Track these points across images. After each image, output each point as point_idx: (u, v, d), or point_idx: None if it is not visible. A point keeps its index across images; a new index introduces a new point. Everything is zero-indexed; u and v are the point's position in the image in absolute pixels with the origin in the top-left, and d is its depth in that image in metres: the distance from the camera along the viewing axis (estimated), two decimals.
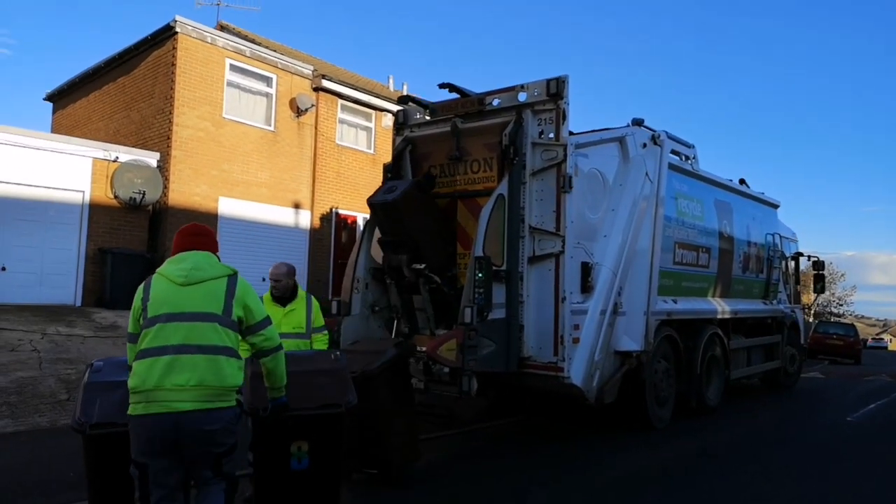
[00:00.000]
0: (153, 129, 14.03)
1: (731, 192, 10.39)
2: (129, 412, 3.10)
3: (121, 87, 15.50)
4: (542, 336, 6.47)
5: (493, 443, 7.42)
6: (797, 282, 13.46)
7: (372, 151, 17.29)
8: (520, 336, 6.43)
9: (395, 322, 7.31)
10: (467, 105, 7.23)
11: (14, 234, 11.79)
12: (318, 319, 5.30)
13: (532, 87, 6.76)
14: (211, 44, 14.14)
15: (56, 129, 18.03)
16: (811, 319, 31.38)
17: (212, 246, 3.47)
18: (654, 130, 8.15)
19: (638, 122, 8.04)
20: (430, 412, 6.78)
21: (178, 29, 13.53)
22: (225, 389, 3.11)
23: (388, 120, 17.03)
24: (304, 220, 15.81)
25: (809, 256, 13.77)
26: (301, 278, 15.13)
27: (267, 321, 3.38)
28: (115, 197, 12.80)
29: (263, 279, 6.01)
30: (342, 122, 16.77)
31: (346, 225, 16.69)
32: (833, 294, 47.17)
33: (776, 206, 12.19)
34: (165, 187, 13.33)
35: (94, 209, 12.67)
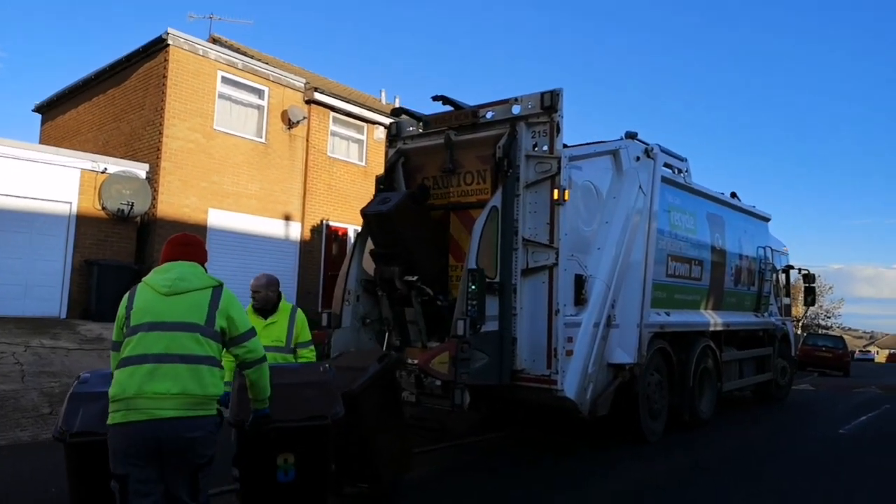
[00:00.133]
0: (143, 141, 13.94)
1: (723, 205, 10.43)
2: (108, 421, 3.07)
3: (111, 99, 15.42)
4: (535, 349, 6.42)
5: (486, 456, 7.34)
6: (787, 294, 13.51)
7: (363, 164, 17.27)
8: (513, 349, 6.38)
9: (387, 334, 7.25)
10: (461, 117, 7.23)
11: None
12: (305, 334, 5.09)
13: (526, 99, 6.77)
14: (203, 56, 14.11)
15: (44, 140, 17.90)
16: (799, 332, 31.51)
17: (200, 256, 3.48)
18: (647, 143, 8.18)
19: (631, 136, 8.06)
20: (422, 425, 6.71)
21: (169, 41, 13.50)
22: (206, 398, 3.12)
23: (380, 132, 17.03)
24: (295, 232, 15.73)
25: (800, 269, 13.84)
26: (291, 290, 15.12)
27: (251, 333, 3.38)
28: (103, 208, 12.68)
29: None
30: (334, 134, 16.76)
31: (336, 237, 16.62)
32: (821, 307, 47.45)
33: (767, 220, 12.25)
34: (154, 199, 13.23)
35: (82, 220, 12.54)
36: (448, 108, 7.39)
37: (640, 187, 7.84)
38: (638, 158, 7.97)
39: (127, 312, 3.21)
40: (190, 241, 3.52)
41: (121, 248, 12.99)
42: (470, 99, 7.48)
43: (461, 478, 6.28)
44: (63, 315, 12.26)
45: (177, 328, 3.12)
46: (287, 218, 15.57)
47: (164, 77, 13.51)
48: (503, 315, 6.33)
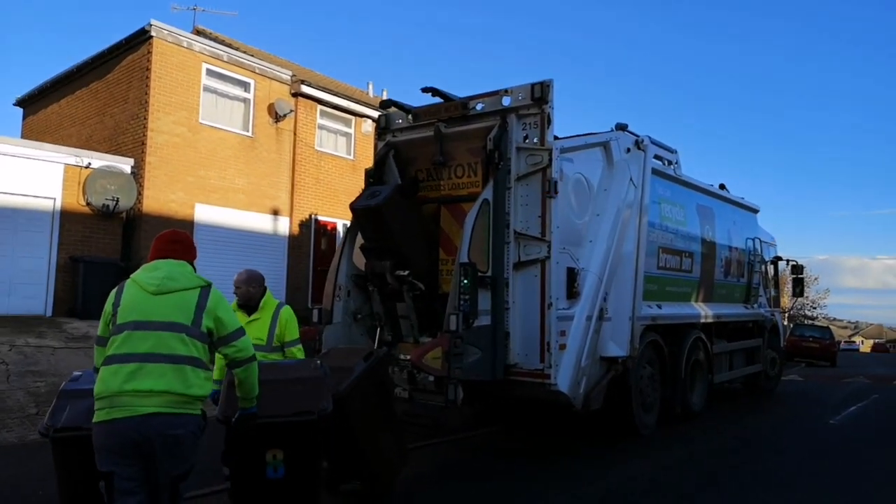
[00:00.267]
0: (127, 135, 13.74)
1: (713, 196, 10.43)
2: (93, 420, 3.07)
3: (94, 93, 15.18)
4: (528, 343, 6.37)
5: (480, 452, 7.29)
6: (776, 286, 13.57)
7: (352, 157, 17.14)
8: (506, 343, 6.33)
9: (378, 330, 7.17)
10: (451, 109, 7.13)
11: None
12: (291, 332, 4.92)
13: (516, 91, 6.69)
14: (187, 48, 13.91)
15: (26, 134, 17.62)
16: (786, 323, 31.74)
17: (188, 254, 3.46)
18: (637, 135, 8.13)
19: (622, 127, 8.01)
20: (415, 421, 6.63)
21: (153, 33, 13.29)
22: (190, 398, 3.10)
23: (368, 126, 16.90)
24: (283, 226, 15.59)
25: (788, 261, 13.90)
26: (280, 286, 15.00)
27: (240, 332, 3.36)
28: (88, 204, 12.48)
29: None
30: (321, 127, 16.61)
31: (325, 232, 16.50)
32: (807, 297, 47.85)
33: (756, 211, 12.28)
34: (140, 194, 13.05)
35: (66, 216, 12.34)
36: (438, 100, 7.30)
37: (630, 179, 7.80)
38: (628, 150, 7.93)
39: (114, 309, 3.21)
40: (179, 239, 3.50)
41: (106, 245, 12.80)
42: (459, 91, 7.39)
43: (455, 474, 6.23)
44: (49, 313, 12.08)
45: (163, 328, 3.11)
46: (275, 213, 15.42)
47: (148, 70, 13.30)
48: (496, 309, 6.27)
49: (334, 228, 16.53)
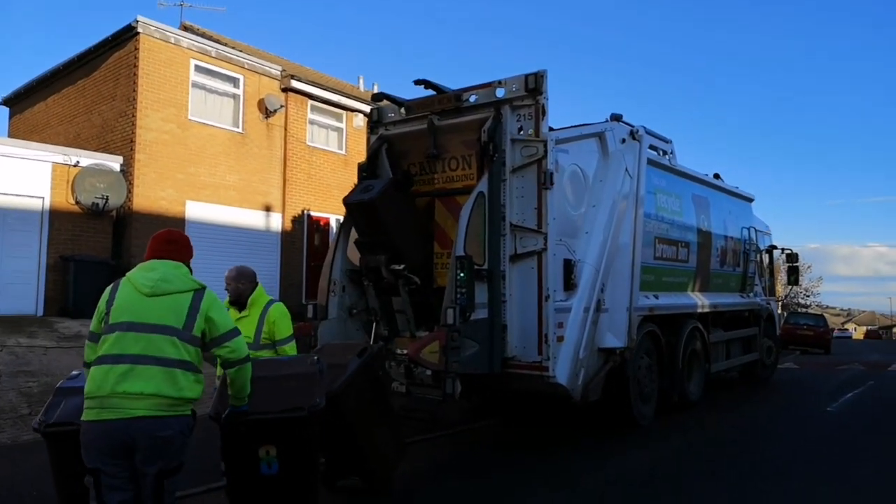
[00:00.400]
0: (116, 133, 13.58)
1: (708, 186, 10.41)
2: (82, 417, 3.10)
3: (81, 90, 15.00)
4: (525, 335, 6.33)
5: (479, 445, 7.26)
6: (771, 274, 13.59)
7: (343, 152, 17.03)
8: (503, 336, 6.28)
9: (374, 325, 7.11)
10: (444, 102, 7.05)
11: None
12: (281, 329, 4.81)
13: (510, 82, 6.62)
14: (175, 44, 13.75)
15: (13, 133, 17.42)
16: (780, 311, 31.89)
17: (185, 255, 3.48)
18: (632, 125, 8.08)
19: (616, 118, 7.96)
20: (413, 416, 6.58)
21: (139, 29, 13.12)
22: (180, 400, 3.13)
23: (360, 120, 16.80)
24: (276, 223, 15.48)
25: (783, 249, 13.91)
26: (273, 282, 14.90)
27: (233, 333, 3.35)
28: (77, 203, 12.34)
29: None
30: (312, 122, 16.48)
31: (318, 227, 16.40)
32: (801, 286, 48.04)
33: (751, 200, 12.27)
34: (130, 192, 12.91)
35: (55, 215, 12.20)
36: (430, 92, 7.21)
37: (626, 170, 7.75)
38: (623, 141, 7.88)
39: (107, 307, 3.22)
40: (175, 239, 3.51)
41: (97, 244, 12.67)
42: (452, 83, 7.31)
43: (453, 468, 6.20)
44: (39, 313, 11.95)
45: (154, 330, 3.12)
46: (267, 209, 15.31)
47: (136, 66, 13.14)
48: (492, 302, 6.22)
49: (327, 224, 16.44)
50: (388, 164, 7.33)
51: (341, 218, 7.45)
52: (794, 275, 14.72)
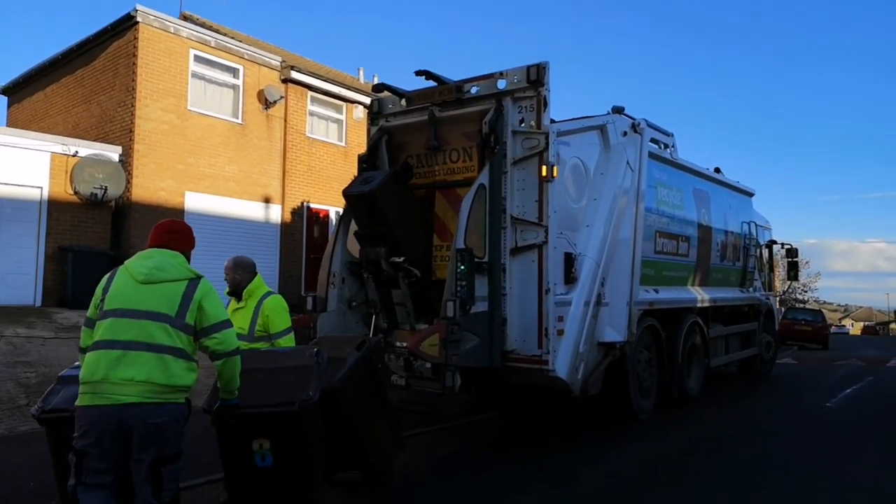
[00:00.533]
0: (115, 123, 13.51)
1: (709, 180, 10.37)
2: (76, 402, 3.15)
3: (80, 80, 14.92)
4: (525, 329, 6.31)
5: (478, 439, 7.26)
6: (771, 269, 13.57)
7: (343, 144, 16.96)
8: (503, 329, 6.27)
9: (374, 317, 7.09)
10: (445, 93, 7.02)
11: None
12: (277, 323, 4.73)
13: (512, 73, 6.58)
14: (174, 34, 13.66)
15: (11, 123, 17.33)
16: (777, 306, 31.86)
17: (184, 245, 3.49)
18: (634, 118, 8.04)
19: (618, 110, 7.92)
20: (412, 409, 6.56)
21: (139, 18, 13.04)
22: (172, 387, 3.13)
23: (360, 112, 16.73)
24: (275, 214, 15.44)
25: (783, 244, 13.88)
26: (273, 274, 14.86)
27: (223, 325, 3.34)
28: (76, 193, 12.29)
29: None
30: (312, 114, 16.40)
31: (317, 219, 16.35)
32: (799, 281, 48.03)
33: (751, 195, 12.24)
34: (129, 182, 12.86)
35: (54, 205, 12.15)
36: (431, 83, 7.17)
37: (627, 163, 7.71)
38: (625, 133, 7.84)
39: (103, 294, 3.27)
40: (176, 229, 3.54)
41: (95, 234, 12.62)
42: (453, 75, 7.27)
43: (452, 461, 6.19)
44: (38, 303, 11.92)
45: (147, 317, 3.14)
46: (267, 200, 15.26)
47: (135, 56, 13.06)
48: (493, 295, 6.20)
49: (327, 216, 16.39)
50: (387, 155, 7.29)
51: (341, 210, 7.42)
52: (793, 270, 14.67)
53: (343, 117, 17.07)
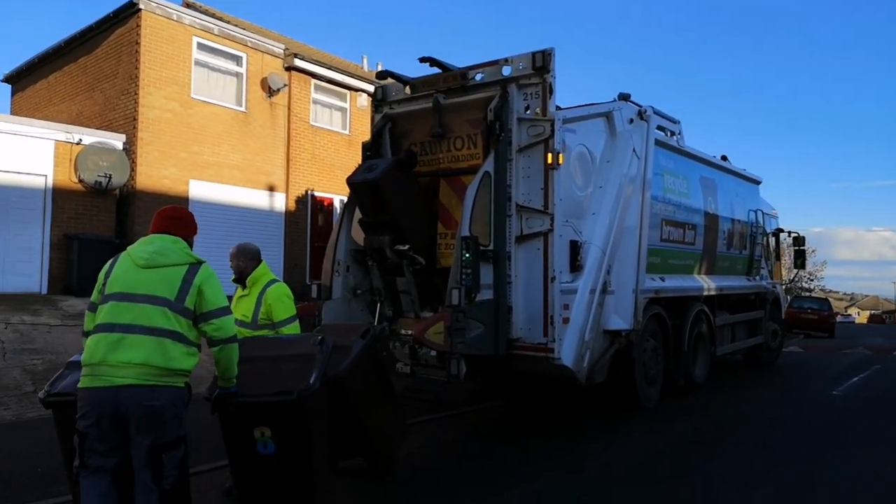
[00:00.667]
0: (118, 111, 13.49)
1: (716, 168, 10.29)
2: (78, 385, 3.21)
3: (83, 68, 14.88)
4: (531, 317, 6.28)
5: (483, 426, 7.26)
6: (777, 258, 13.49)
7: (347, 132, 16.90)
8: (508, 317, 6.23)
9: (379, 305, 7.07)
10: (449, 80, 6.95)
11: None
12: (279, 311, 4.67)
13: (517, 60, 6.51)
14: (177, 21, 13.59)
15: (15, 111, 17.31)
16: (784, 295, 31.73)
17: (186, 231, 3.50)
18: (640, 105, 7.96)
19: (625, 97, 7.84)
20: (417, 397, 6.56)
21: (141, 6, 12.97)
22: (170, 371, 3.14)
23: (364, 100, 16.65)
24: (279, 203, 15.42)
25: (790, 232, 13.79)
26: (277, 263, 14.86)
27: (222, 311, 3.33)
28: (80, 181, 12.29)
29: None
30: (316, 102, 16.34)
31: (322, 207, 16.33)
32: (805, 269, 47.88)
33: (758, 183, 12.15)
34: (133, 170, 12.85)
35: (58, 194, 12.16)
36: (436, 70, 7.10)
37: (633, 150, 7.64)
38: (631, 121, 7.77)
39: (105, 279, 3.31)
40: (178, 215, 3.56)
41: (100, 222, 12.64)
42: (458, 61, 7.20)
43: (457, 449, 6.20)
44: (44, 291, 11.95)
45: (146, 301, 3.16)
46: (271, 189, 15.24)
47: (138, 44, 13.01)
48: (498, 283, 6.16)
49: (331, 204, 16.37)
50: (391, 143, 7.24)
51: (345, 198, 7.38)
52: (800, 258, 14.56)
53: (347, 105, 16.99)
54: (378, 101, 7.65)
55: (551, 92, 6.33)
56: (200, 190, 13.84)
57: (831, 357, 15.66)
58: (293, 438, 3.82)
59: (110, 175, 12.39)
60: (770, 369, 12.28)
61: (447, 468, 5.53)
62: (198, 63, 13.98)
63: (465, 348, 5.69)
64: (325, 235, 9.24)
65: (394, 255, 6.64)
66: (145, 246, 3.33)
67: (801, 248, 14.03)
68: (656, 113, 8.29)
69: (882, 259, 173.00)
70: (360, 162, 7.37)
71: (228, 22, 15.27)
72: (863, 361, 14.62)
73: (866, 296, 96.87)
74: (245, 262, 4.83)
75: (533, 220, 6.30)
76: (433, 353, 5.92)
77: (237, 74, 14.76)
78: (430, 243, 6.92)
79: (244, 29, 15.38)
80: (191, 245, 3.47)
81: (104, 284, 3.30)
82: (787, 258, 22.85)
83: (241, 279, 4.86)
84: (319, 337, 4.20)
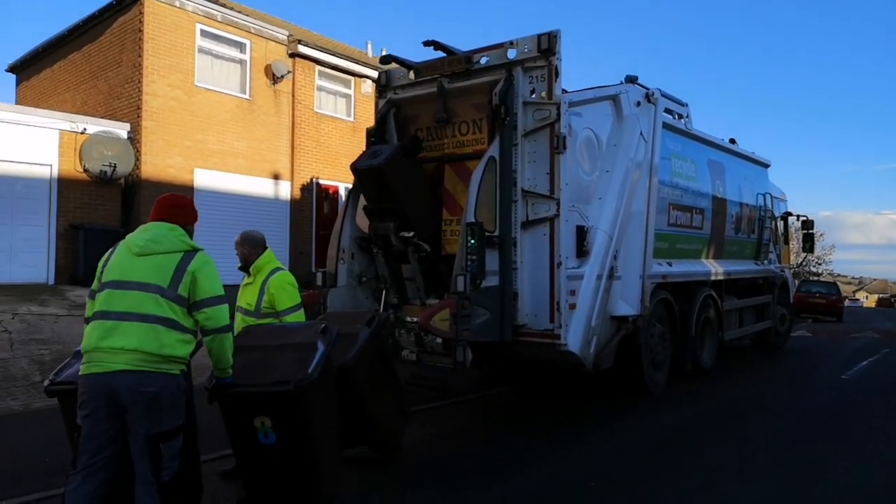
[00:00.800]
0: (122, 100, 13.44)
1: (724, 151, 10.19)
2: (79, 373, 3.24)
3: (86, 56, 14.82)
4: (537, 303, 6.24)
5: (490, 413, 7.25)
6: (786, 242, 13.39)
7: (352, 119, 16.81)
8: (514, 304, 6.20)
9: (384, 293, 7.04)
10: (454, 64, 6.87)
11: None
12: (282, 300, 4.60)
13: (522, 43, 6.43)
14: (180, 8, 13.49)
15: (20, 101, 17.28)
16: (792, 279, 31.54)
17: (184, 218, 3.48)
18: (647, 88, 7.86)
19: (632, 80, 7.73)
20: (423, 384, 6.54)
21: None
22: (163, 357, 3.13)
23: (368, 86, 16.54)
24: (284, 191, 15.38)
25: (798, 216, 13.67)
26: (283, 251, 14.84)
27: (215, 300, 3.30)
28: (85, 170, 12.27)
29: None
30: (320, 89, 16.23)
31: (327, 195, 16.28)
32: (814, 253, 47.57)
33: (767, 166, 12.03)
34: (137, 159, 12.82)
35: (64, 183, 12.14)
36: (440, 54, 7.02)
37: (640, 134, 7.56)
38: (638, 104, 7.67)
39: (103, 268, 3.33)
40: (176, 203, 3.52)
41: (106, 212, 12.63)
42: (462, 45, 7.11)
43: (463, 436, 6.19)
44: (50, 281, 11.98)
45: (139, 288, 3.17)
46: (276, 177, 15.19)
47: (141, 31, 12.93)
48: (504, 269, 6.13)
49: (336, 192, 16.31)
50: (396, 128, 7.18)
51: (350, 186, 7.34)
52: (809, 242, 14.46)
53: (351, 92, 16.89)
54: (382, 86, 7.59)
55: (557, 75, 6.25)
56: (205, 179, 13.81)
57: (840, 341, 15.58)
58: (293, 428, 3.77)
59: (115, 164, 12.37)
60: (778, 354, 12.22)
61: (453, 455, 5.51)
62: (201, 50, 13.89)
63: (470, 335, 5.66)
64: (331, 223, 9.22)
65: (399, 242, 6.61)
66: (141, 234, 3.34)
67: (810, 231, 13.92)
68: (664, 95, 8.19)
69: (891, 243, 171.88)
70: (364, 149, 7.31)
71: (231, 8, 15.15)
72: (871, 345, 14.52)
73: (875, 279, 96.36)
74: (249, 249, 4.79)
75: (539, 205, 6.24)
76: (439, 340, 5.90)
77: (241, 62, 14.68)
78: (436, 230, 6.88)
79: (247, 15, 15.26)
80: (190, 233, 3.44)
81: (102, 273, 3.31)
82: (796, 242, 22.71)
83: (245, 267, 4.83)
84: (322, 325, 4.15)
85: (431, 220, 6.86)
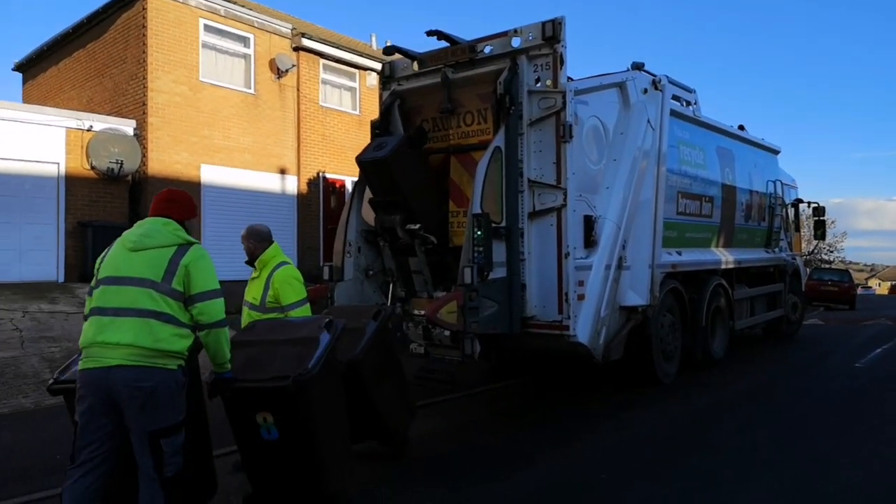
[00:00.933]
0: (127, 96, 13.45)
1: (733, 138, 10.05)
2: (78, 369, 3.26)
3: (91, 54, 14.84)
4: (545, 294, 6.18)
5: (499, 405, 7.22)
6: (797, 229, 13.24)
7: (357, 112, 16.75)
8: (522, 295, 6.14)
9: (391, 286, 7.01)
10: (458, 54, 6.79)
11: None
12: (286, 295, 4.55)
13: (526, 31, 6.34)
14: (183, 3, 13.46)
15: (27, 99, 17.36)
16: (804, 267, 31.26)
17: (182, 212, 3.46)
18: (654, 75, 7.76)
19: (638, 66, 7.62)
20: (431, 377, 6.52)
21: None
22: (159, 352, 3.11)
23: (373, 79, 16.47)
24: (291, 185, 15.36)
25: (809, 203, 13.52)
26: (290, 246, 14.85)
27: (210, 295, 3.26)
28: (92, 168, 12.30)
29: None
30: (325, 82, 16.19)
31: (334, 189, 16.26)
32: (825, 241, 47.14)
33: (777, 152, 11.87)
34: (144, 156, 12.83)
35: (71, 181, 12.18)
36: (444, 44, 6.95)
37: (648, 122, 7.46)
38: (646, 91, 7.57)
39: (100, 264, 3.34)
40: (173, 198, 3.51)
41: (114, 209, 12.66)
42: (466, 34, 7.04)
43: (472, 429, 6.15)
44: (60, 279, 12.04)
45: (133, 283, 3.16)
46: (282, 171, 15.17)
47: (144, 27, 12.91)
48: (511, 261, 6.07)
49: (343, 186, 16.28)
50: (401, 120, 7.12)
51: (357, 179, 7.29)
52: (820, 229, 14.30)
53: (356, 85, 16.83)
54: (386, 77, 7.53)
55: (562, 62, 6.17)
56: (212, 174, 13.81)
57: (852, 329, 15.43)
58: (295, 424, 3.71)
59: (122, 161, 12.39)
60: (790, 342, 12.11)
61: (462, 449, 5.48)
62: (205, 45, 13.87)
63: (478, 327, 5.62)
64: (338, 217, 9.18)
65: (405, 234, 6.56)
66: (136, 229, 3.34)
67: (822, 218, 13.76)
68: (671, 82, 8.08)
69: None
70: (370, 142, 7.26)
71: (234, 3, 15.10)
72: (885, 333, 14.36)
73: (887, 267, 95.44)
74: (254, 243, 4.76)
75: (545, 195, 6.17)
76: (447, 333, 5.85)
77: (245, 56, 14.64)
78: (442, 222, 6.83)
79: (250, 9, 15.21)
80: (187, 228, 3.41)
81: (98, 269, 3.32)
82: (807, 229, 22.50)
83: (251, 261, 4.80)
84: (327, 319, 4.10)
85: (437, 211, 6.81)
